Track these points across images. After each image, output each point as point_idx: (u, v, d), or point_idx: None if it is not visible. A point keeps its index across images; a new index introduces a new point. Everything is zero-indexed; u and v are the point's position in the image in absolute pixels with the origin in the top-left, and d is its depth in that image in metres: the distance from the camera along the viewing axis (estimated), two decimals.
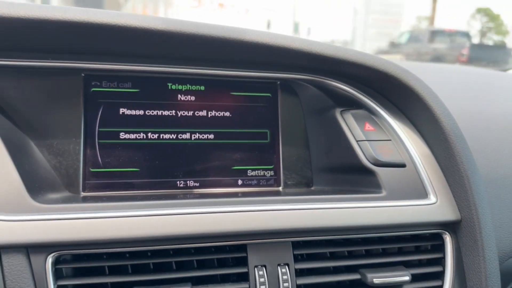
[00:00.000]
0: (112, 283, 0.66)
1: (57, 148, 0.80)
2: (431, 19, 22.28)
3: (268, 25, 19.66)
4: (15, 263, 0.61)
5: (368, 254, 0.81)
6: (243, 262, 0.72)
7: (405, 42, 17.10)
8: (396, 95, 0.86)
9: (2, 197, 0.63)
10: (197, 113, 0.87)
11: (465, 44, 14.96)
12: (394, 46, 17.23)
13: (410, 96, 0.82)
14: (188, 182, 0.86)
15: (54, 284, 0.63)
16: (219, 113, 0.89)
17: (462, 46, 14.63)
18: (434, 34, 16.54)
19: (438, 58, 14.32)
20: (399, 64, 0.83)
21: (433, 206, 0.80)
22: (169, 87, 0.86)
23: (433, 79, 0.94)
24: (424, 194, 0.81)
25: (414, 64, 1.98)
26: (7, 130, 0.72)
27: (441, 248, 0.82)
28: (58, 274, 0.65)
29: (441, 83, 1.20)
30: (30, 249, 0.62)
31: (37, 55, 0.75)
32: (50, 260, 0.63)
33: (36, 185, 0.69)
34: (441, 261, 0.82)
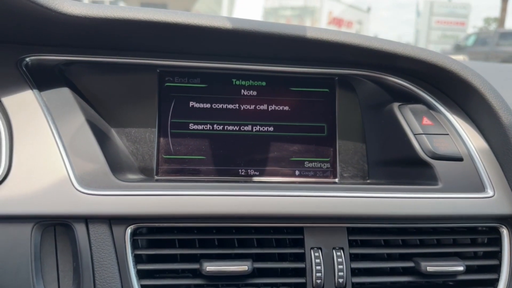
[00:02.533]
0: (181, 255, 0.74)
1: (134, 136, 0.89)
2: (501, 21, 20.98)
3: None
4: (99, 232, 0.70)
5: (423, 244, 0.82)
6: (300, 243, 0.76)
7: (472, 44, 16.24)
8: (454, 89, 0.87)
9: (89, 174, 0.72)
10: (258, 107, 0.93)
11: None
12: (459, 49, 16.42)
13: (468, 91, 0.83)
14: (249, 170, 0.92)
15: (131, 253, 0.71)
16: (278, 107, 0.94)
17: None
18: (504, 36, 15.53)
19: (507, 62, 13.46)
20: (458, 60, 0.84)
21: (490, 199, 0.80)
22: (233, 83, 0.93)
23: (495, 76, 0.94)
24: (481, 188, 0.82)
25: (476, 63, 1.92)
26: (93, 119, 0.81)
27: (497, 241, 0.82)
28: (135, 245, 0.73)
29: (503, 80, 1.18)
30: (112, 221, 0.71)
31: (118, 53, 0.84)
32: (129, 231, 0.71)
33: (118, 166, 0.78)
34: (497, 255, 0.82)
